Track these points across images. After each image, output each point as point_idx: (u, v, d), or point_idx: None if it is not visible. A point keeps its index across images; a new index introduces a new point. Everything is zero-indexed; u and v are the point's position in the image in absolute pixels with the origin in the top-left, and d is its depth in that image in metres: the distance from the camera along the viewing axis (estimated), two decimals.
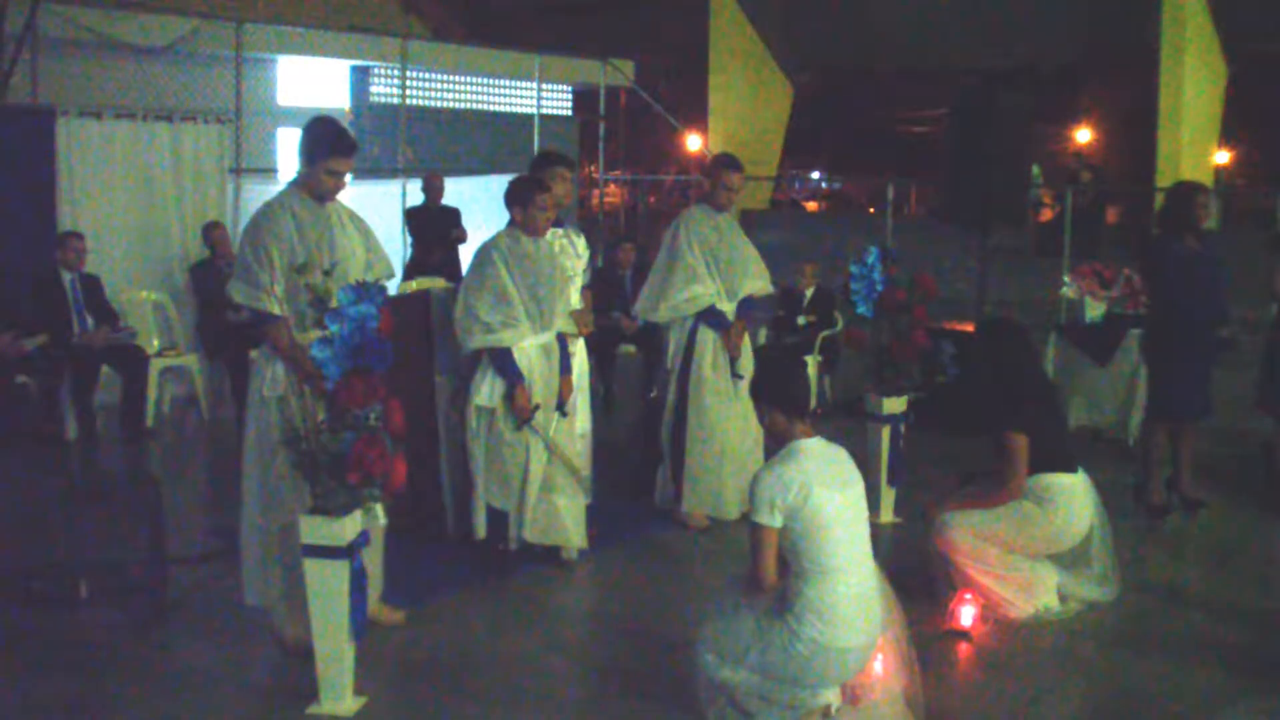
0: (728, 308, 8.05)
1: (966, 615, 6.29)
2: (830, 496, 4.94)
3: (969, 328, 10.98)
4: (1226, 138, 20.43)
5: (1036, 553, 6.61)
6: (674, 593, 6.98)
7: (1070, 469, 6.59)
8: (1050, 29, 18.91)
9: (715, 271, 8.01)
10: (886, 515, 8.05)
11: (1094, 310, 10.80)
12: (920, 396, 8.37)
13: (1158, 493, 8.50)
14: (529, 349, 6.96)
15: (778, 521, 4.93)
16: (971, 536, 6.49)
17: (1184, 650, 6.27)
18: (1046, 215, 20.12)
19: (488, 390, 6.93)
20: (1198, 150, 17.27)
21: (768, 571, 5.02)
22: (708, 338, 7.99)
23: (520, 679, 5.70)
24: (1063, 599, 6.70)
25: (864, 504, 5.14)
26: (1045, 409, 6.68)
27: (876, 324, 8.06)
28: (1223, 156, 20.72)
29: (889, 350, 8.02)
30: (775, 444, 5.20)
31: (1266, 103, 21.11)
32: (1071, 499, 6.56)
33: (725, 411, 8.02)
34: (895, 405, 7.98)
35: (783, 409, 5.14)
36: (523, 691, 5.57)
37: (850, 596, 4.94)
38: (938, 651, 6.01)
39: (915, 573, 6.60)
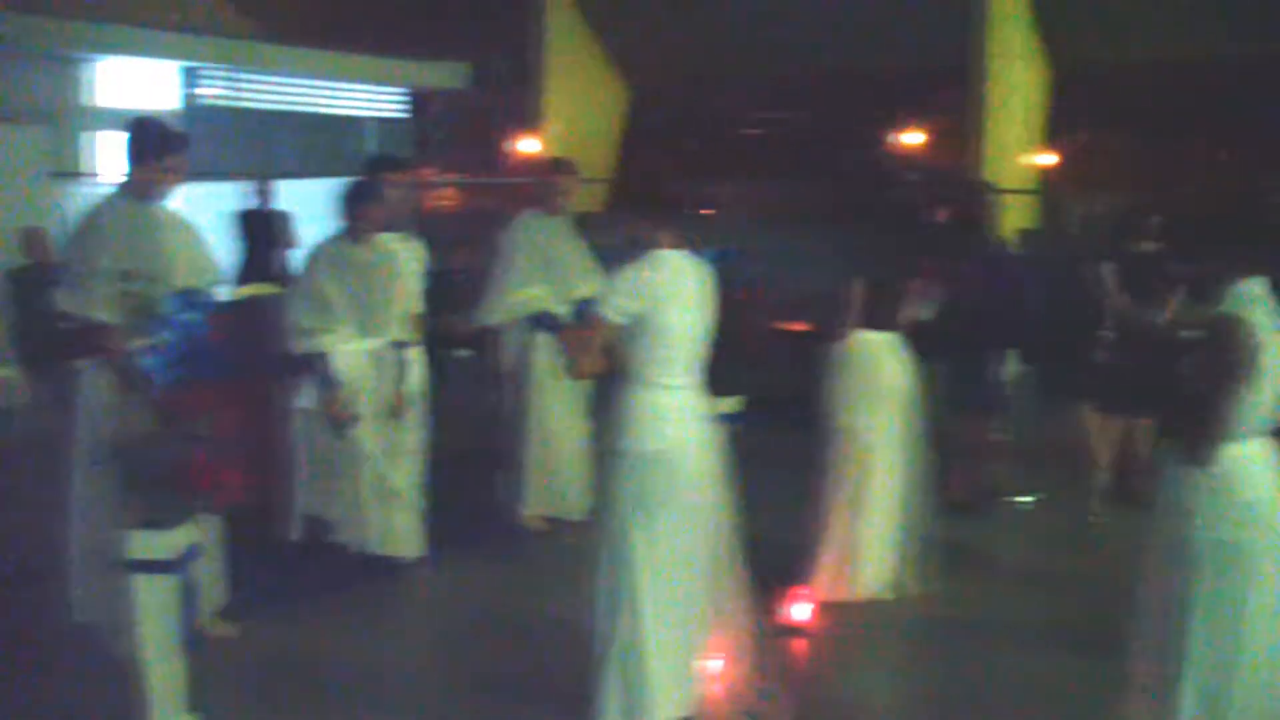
0: (563, 311, 8.06)
1: (801, 611, 6.37)
2: (680, 312, 4.97)
3: (809, 327, 11.11)
4: (1050, 142, 20.98)
5: None
6: (515, 595, 6.97)
7: None
8: (884, 33, 19.20)
9: (548, 275, 8.01)
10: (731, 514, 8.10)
11: (928, 311, 10.99)
12: (757, 396, 8.45)
13: (958, 487, 8.72)
14: (354, 355, 6.87)
15: (618, 319, 4.94)
16: None
17: (1029, 634, 6.44)
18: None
19: (309, 394, 6.85)
20: (1022, 151, 17.72)
21: (586, 362, 5.10)
22: (543, 341, 7.98)
23: (362, 687, 5.66)
24: (896, 586, 6.87)
25: (708, 330, 5.18)
26: None
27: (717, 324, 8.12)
28: (1047, 159, 21.24)
29: (725, 350, 8.08)
30: (636, 250, 5.17)
31: (1087, 109, 21.69)
32: None
33: (563, 413, 8.02)
34: (732, 404, 8.04)
35: (648, 214, 5.12)
36: (364, 700, 5.52)
37: (675, 407, 5.00)
38: (776, 648, 6.09)
39: (753, 572, 6.67)
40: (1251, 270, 4.28)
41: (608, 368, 5.18)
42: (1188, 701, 4.30)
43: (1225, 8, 15.82)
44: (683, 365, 5.09)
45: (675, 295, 5.01)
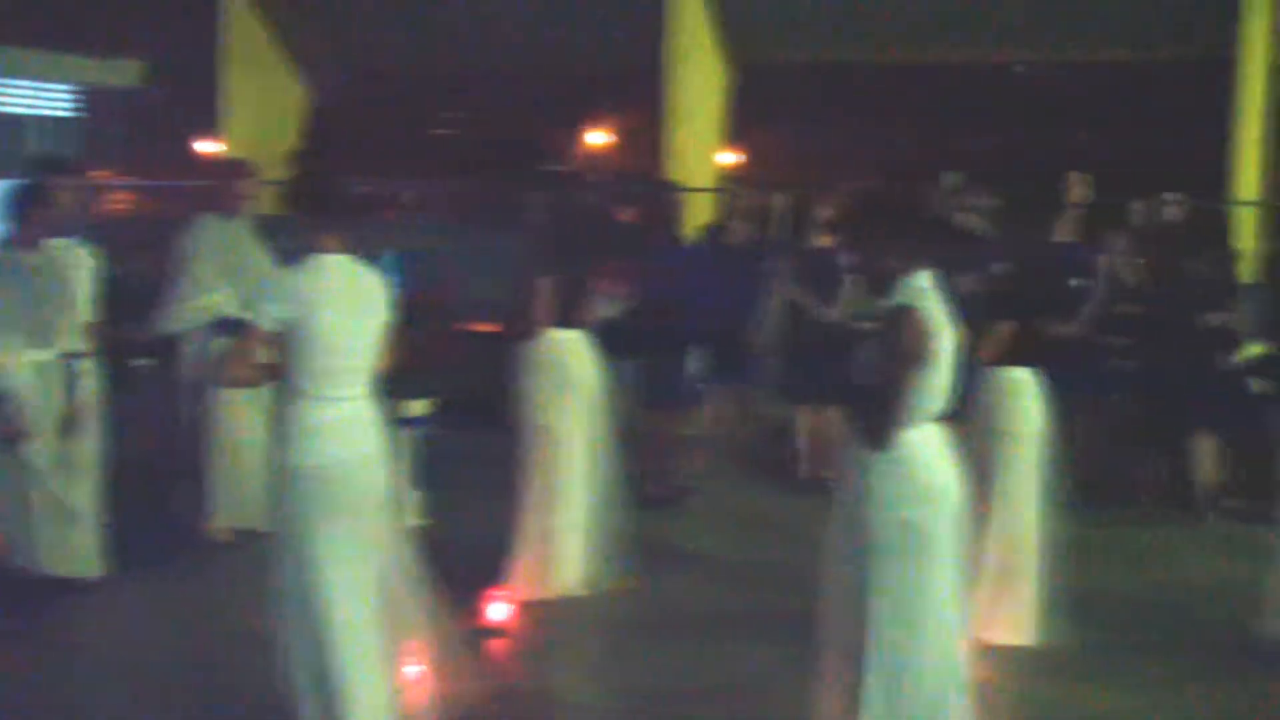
0: (248, 316, 7.84)
1: (498, 612, 6.36)
2: (339, 320, 4.82)
3: (496, 329, 11.09)
4: (732, 140, 21.47)
5: None
6: (205, 611, 6.74)
7: None
8: (572, 32, 19.29)
9: (230, 280, 7.78)
10: (415, 518, 8.03)
11: (616, 308, 11.12)
12: (448, 398, 8.40)
13: (649, 482, 8.87)
14: (24, 367, 6.55)
15: (267, 325, 4.77)
16: None
17: (727, 625, 6.57)
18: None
19: None
20: (704, 151, 18.07)
21: (237, 372, 4.96)
22: (224, 347, 7.75)
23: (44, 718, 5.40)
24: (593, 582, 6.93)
25: (377, 336, 5.03)
26: None
27: (401, 328, 8.04)
28: (728, 158, 21.72)
29: (412, 354, 8.01)
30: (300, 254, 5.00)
31: (766, 108, 22.27)
32: None
33: (248, 422, 7.80)
34: (420, 408, 7.98)
35: (311, 213, 4.98)
36: None
37: (339, 420, 4.86)
38: (475, 648, 6.06)
39: (451, 575, 6.62)
40: (922, 263, 4.44)
41: (266, 377, 5.03)
42: (874, 689, 4.43)
43: (899, 12, 16.47)
44: (348, 376, 4.92)
45: (333, 301, 4.83)
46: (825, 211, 9.43)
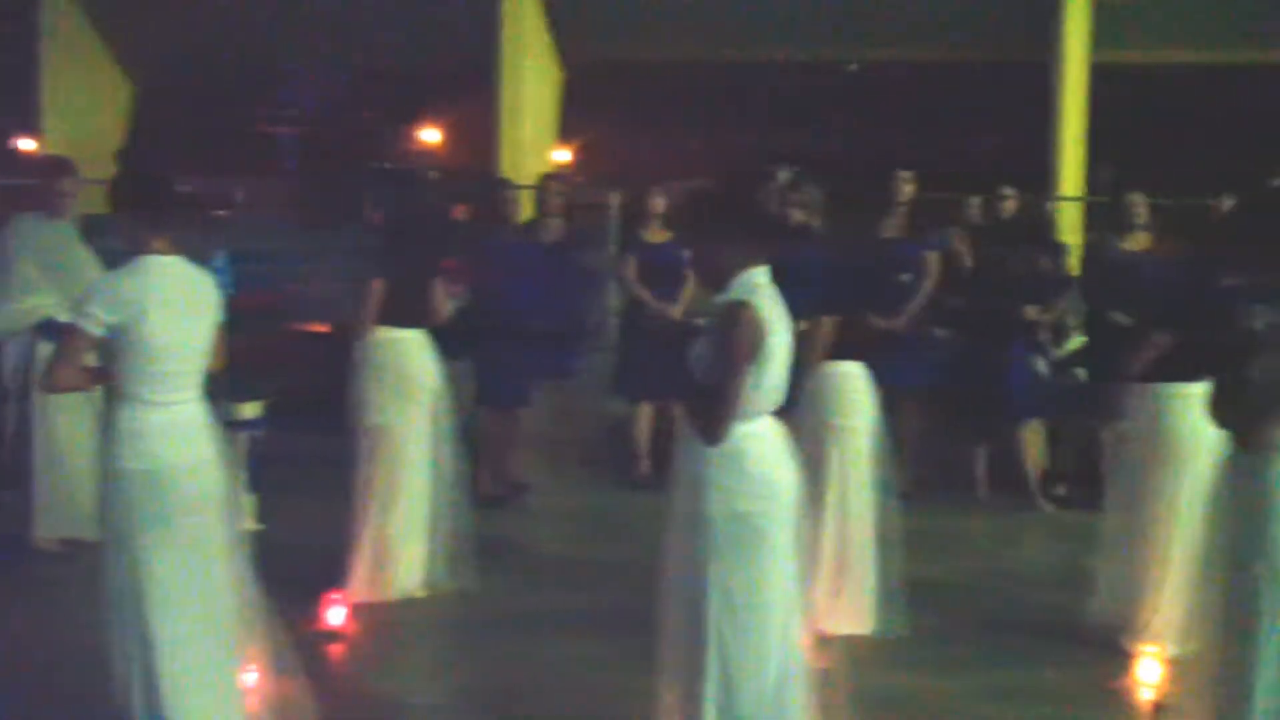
0: (73, 319, 7.63)
1: (336, 615, 6.28)
2: (169, 324, 4.69)
3: (326, 329, 10.97)
4: (565, 137, 21.49)
5: None
6: (35, 625, 6.53)
7: None
8: (406, 30, 19.12)
9: (53, 282, 7.56)
10: (249, 523, 7.88)
11: (453, 306, 11.06)
12: (282, 400, 8.28)
13: (486, 481, 8.85)
14: None
15: (94, 329, 4.62)
16: None
17: (566, 624, 6.57)
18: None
19: None
20: (538, 148, 18.06)
21: (62, 377, 4.79)
22: (49, 352, 7.53)
23: None
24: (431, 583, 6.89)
25: (208, 339, 4.91)
26: None
27: (232, 329, 7.90)
28: (563, 155, 21.75)
29: (243, 355, 7.87)
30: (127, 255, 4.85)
31: (599, 106, 22.37)
32: None
33: (74, 428, 7.59)
34: (252, 410, 7.84)
35: (138, 213, 4.83)
36: None
37: (168, 425, 4.73)
38: (312, 654, 5.96)
39: (287, 579, 6.52)
40: (756, 259, 4.48)
41: (93, 382, 4.90)
42: (712, 684, 4.45)
43: (731, 11, 16.62)
44: (178, 379, 4.79)
45: (163, 304, 4.68)
46: (662, 207, 9.50)
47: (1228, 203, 8.65)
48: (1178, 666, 5.52)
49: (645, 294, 9.46)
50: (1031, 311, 9.33)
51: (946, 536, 8.42)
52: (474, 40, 17.45)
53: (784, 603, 4.51)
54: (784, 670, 4.51)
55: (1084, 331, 9.57)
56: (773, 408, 4.53)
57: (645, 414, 9.71)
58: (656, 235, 9.57)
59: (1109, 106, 15.79)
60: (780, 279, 4.53)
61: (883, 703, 5.60)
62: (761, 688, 4.46)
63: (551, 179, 9.81)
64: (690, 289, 9.11)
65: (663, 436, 9.31)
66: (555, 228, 9.44)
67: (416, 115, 28.92)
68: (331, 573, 6.75)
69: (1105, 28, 15.19)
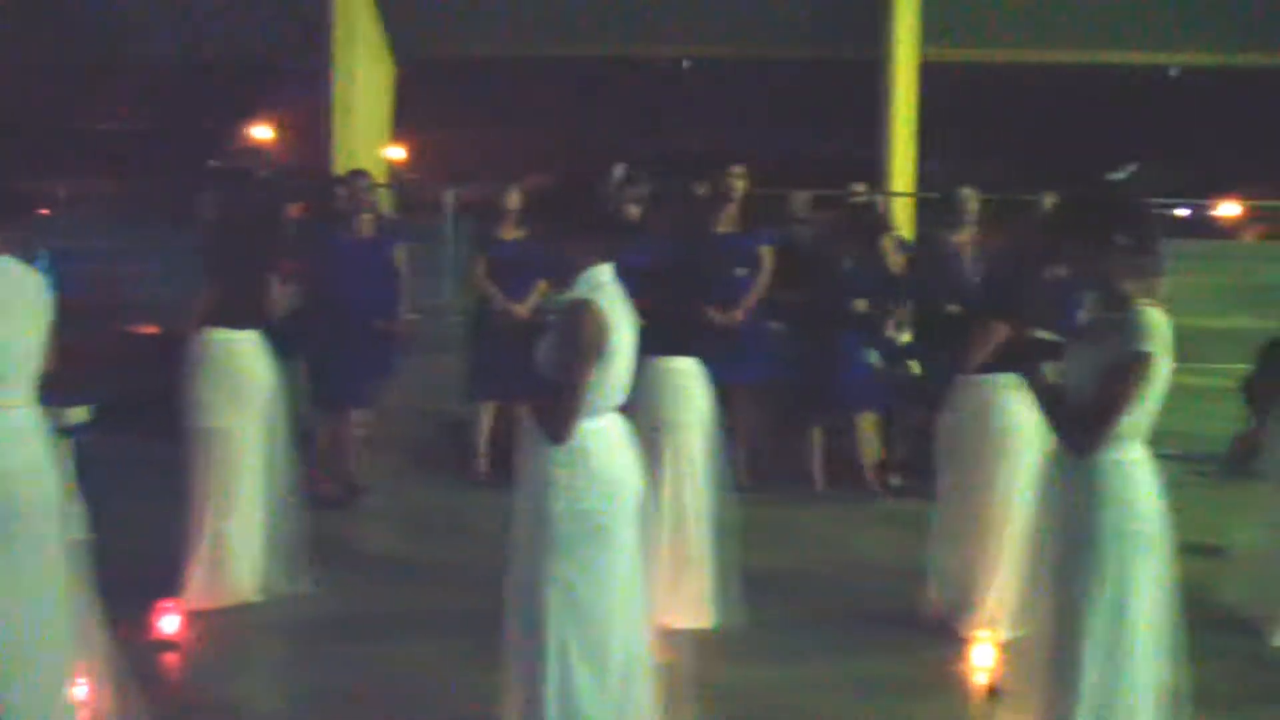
0: None
1: (170, 623, 6.15)
2: (4, 328, 4.52)
3: (156, 330, 10.76)
4: (398, 134, 21.31)
5: None
6: None
7: None
8: (235, 27, 18.80)
9: None
10: (78, 530, 7.66)
11: (286, 306, 10.91)
12: (112, 404, 8.09)
13: (327, 483, 8.75)
14: None
15: None
16: None
17: (405, 625, 6.52)
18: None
19: None
20: (371, 146, 17.90)
21: None
22: None
23: None
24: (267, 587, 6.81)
25: (39, 341, 4.71)
26: None
27: (57, 331, 7.70)
28: (397, 152, 21.57)
29: (69, 358, 7.66)
30: None
31: (430, 103, 22.22)
32: None
33: None
34: (79, 415, 7.63)
35: None
36: None
37: (2, 428, 4.56)
38: (149, 664, 5.83)
39: (120, 588, 6.37)
40: (600, 256, 4.48)
41: None
42: (554, 682, 4.43)
43: (564, 7, 16.64)
44: (9, 383, 4.64)
45: None
46: (516, 204, 9.46)
47: (1050, 199, 8.91)
48: (1011, 650, 5.64)
49: (493, 291, 9.43)
50: (861, 304, 9.49)
51: (784, 528, 8.53)
52: (307, 36, 17.24)
53: (627, 599, 4.53)
54: (628, 666, 4.52)
55: (915, 323, 9.77)
56: (617, 405, 4.55)
57: (488, 413, 9.67)
58: (509, 233, 9.53)
59: (939, 104, 16.12)
60: (620, 275, 4.55)
61: (724, 695, 5.65)
62: (604, 684, 4.47)
63: (358, 175, 9.65)
64: (542, 287, 9.09)
65: (502, 435, 9.28)
66: (367, 223, 9.32)
67: (249, 112, 28.44)
68: (165, 580, 6.60)
69: (934, 26, 15.52)
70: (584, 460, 4.42)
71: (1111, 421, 4.22)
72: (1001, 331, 6.36)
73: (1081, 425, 4.29)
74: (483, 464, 9.62)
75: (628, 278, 4.59)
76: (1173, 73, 17.80)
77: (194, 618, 6.38)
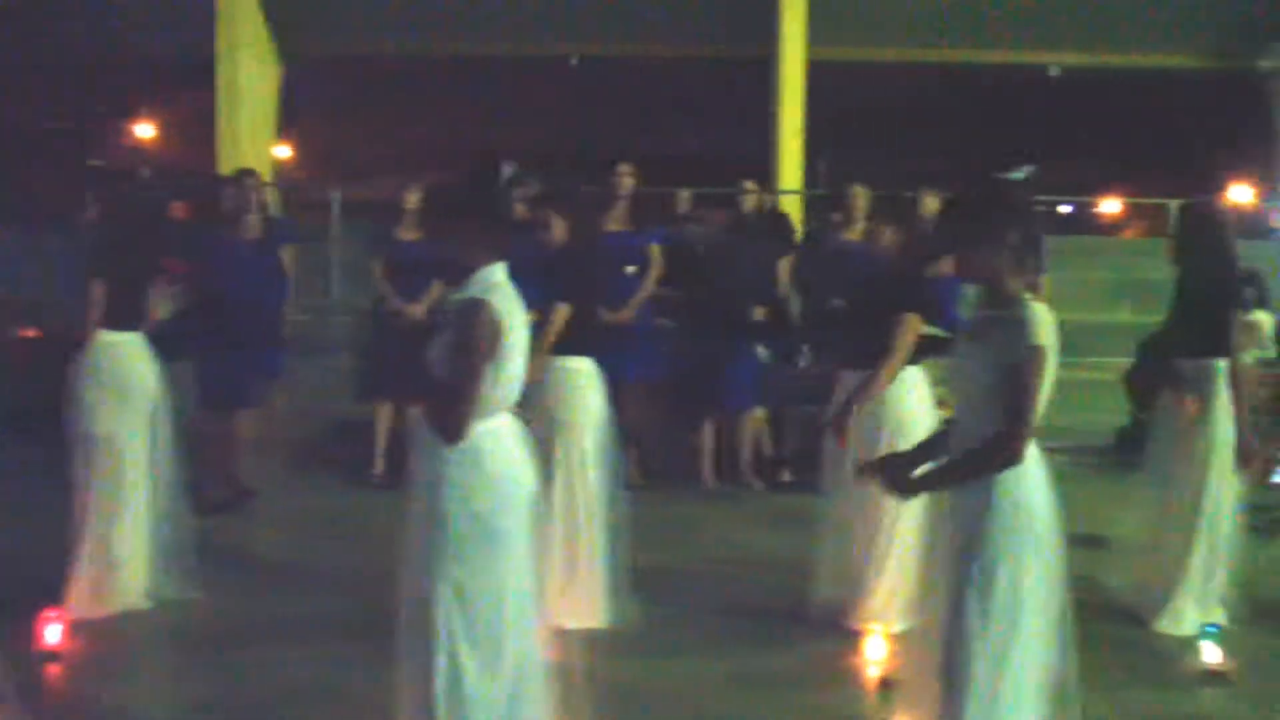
0: None
1: (53, 633, 6.03)
2: None
3: (37, 334, 10.58)
4: (285, 133, 21.08)
5: None
6: None
7: None
8: (114, 23, 18.48)
9: None
10: None
11: (172, 308, 10.79)
12: None
13: (210, 487, 8.67)
14: None
15: None
16: None
17: (297, 630, 6.47)
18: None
19: None
20: (257, 144, 17.70)
21: None
22: None
23: None
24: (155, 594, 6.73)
25: None
26: None
27: None
28: (283, 151, 21.33)
29: None
30: None
31: (315, 102, 21.98)
32: None
33: None
34: None
35: None
36: None
37: None
38: (31, 676, 5.71)
39: (1, 598, 6.27)
40: (491, 256, 4.47)
41: None
42: (445, 684, 4.40)
43: (450, 4, 16.55)
44: None
45: None
46: (415, 204, 9.42)
47: (929, 196, 9.05)
48: (902, 642, 5.72)
49: (389, 291, 9.39)
50: (760, 312, 9.58)
51: (674, 525, 8.58)
52: (191, 33, 17.00)
53: (520, 600, 4.52)
54: (520, 666, 4.52)
55: (804, 318, 9.86)
56: (510, 404, 4.54)
57: (385, 414, 9.63)
58: (408, 233, 9.49)
59: (827, 102, 16.26)
60: (512, 274, 4.54)
61: (618, 693, 5.66)
62: (496, 685, 4.46)
63: (246, 174, 9.55)
64: (438, 287, 9.05)
65: (397, 436, 9.24)
66: (255, 224, 9.22)
67: (132, 110, 27.98)
68: (49, 589, 6.47)
69: (821, 25, 15.65)
70: (477, 460, 4.41)
71: (1028, 420, 4.26)
72: (917, 324, 6.43)
73: (1007, 431, 4.31)
74: (380, 465, 9.57)
75: (519, 277, 4.59)
76: (1053, 72, 18.11)
77: (78, 627, 6.26)
